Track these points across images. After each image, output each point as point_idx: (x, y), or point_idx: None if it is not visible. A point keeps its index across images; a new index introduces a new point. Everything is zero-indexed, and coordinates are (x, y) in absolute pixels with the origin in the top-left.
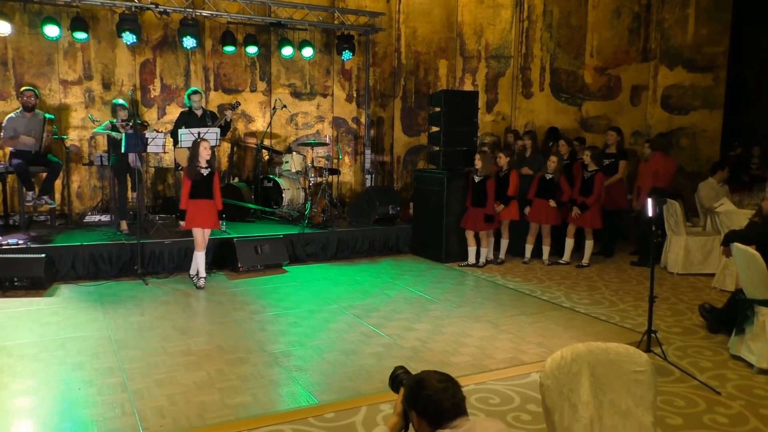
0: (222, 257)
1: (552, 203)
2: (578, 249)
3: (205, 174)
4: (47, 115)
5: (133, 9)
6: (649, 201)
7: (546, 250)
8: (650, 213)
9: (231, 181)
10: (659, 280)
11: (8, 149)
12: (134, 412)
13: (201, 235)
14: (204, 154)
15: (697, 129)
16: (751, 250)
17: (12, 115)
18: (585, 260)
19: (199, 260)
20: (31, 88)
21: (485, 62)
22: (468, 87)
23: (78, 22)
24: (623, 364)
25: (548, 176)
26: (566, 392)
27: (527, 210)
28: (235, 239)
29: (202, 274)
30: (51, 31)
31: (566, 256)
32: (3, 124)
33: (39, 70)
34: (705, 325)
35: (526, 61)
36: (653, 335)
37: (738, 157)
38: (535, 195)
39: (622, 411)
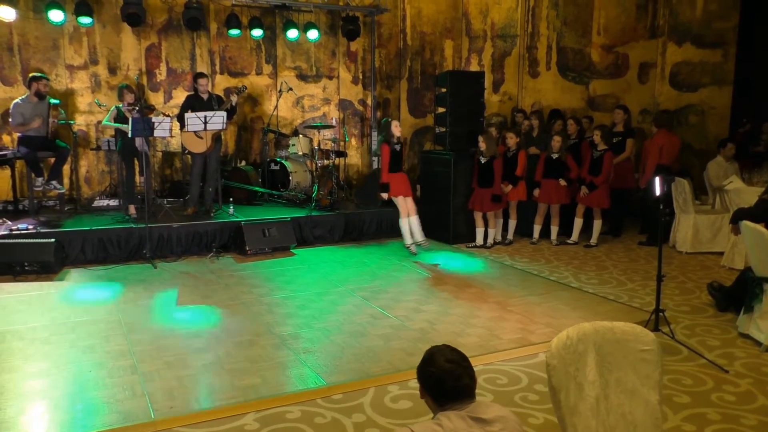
0: (230, 240)
1: (562, 182)
2: (586, 229)
3: (398, 149)
4: (52, 101)
5: None
6: (656, 179)
7: (554, 230)
8: (657, 191)
9: (238, 165)
10: (668, 259)
11: (16, 135)
12: (144, 393)
13: (404, 203)
14: (395, 131)
15: (706, 106)
16: (760, 227)
17: (18, 100)
18: (593, 240)
19: (413, 225)
20: (45, 75)
21: (491, 42)
22: (474, 67)
23: (82, 7)
24: (629, 343)
25: (554, 156)
26: (572, 371)
27: (536, 192)
28: (242, 222)
29: (419, 238)
30: (55, 16)
31: (574, 236)
32: (10, 110)
33: (45, 55)
34: (713, 303)
35: (532, 40)
36: (661, 314)
37: (747, 134)
38: (543, 176)
39: (628, 390)
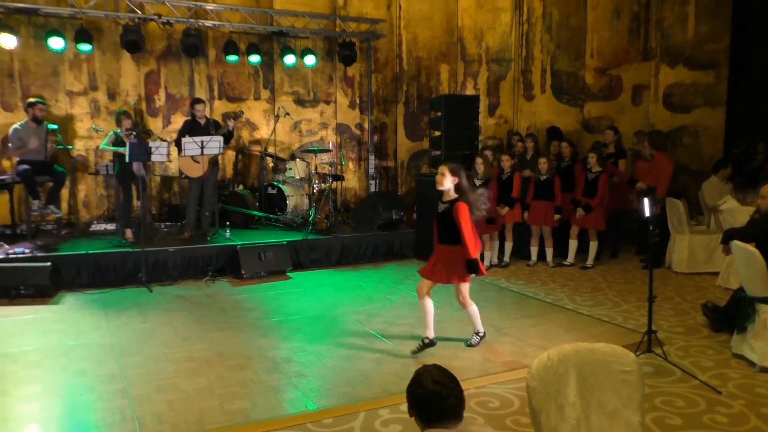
0: (226, 264)
1: (557, 217)
2: (583, 250)
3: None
4: (50, 126)
5: (136, 20)
6: (645, 201)
7: (549, 252)
8: (647, 213)
9: (235, 189)
10: (664, 280)
11: (15, 159)
12: (134, 417)
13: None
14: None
15: (699, 127)
16: (750, 247)
17: (17, 125)
18: (589, 261)
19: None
20: (42, 100)
21: (486, 66)
22: (470, 91)
23: (82, 34)
24: (610, 364)
25: (542, 178)
26: (553, 393)
27: (526, 214)
28: (238, 246)
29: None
30: (56, 43)
31: (570, 258)
32: (9, 135)
33: (45, 81)
34: (708, 324)
35: (526, 64)
36: (654, 335)
37: (741, 154)
38: (533, 198)
39: (609, 411)
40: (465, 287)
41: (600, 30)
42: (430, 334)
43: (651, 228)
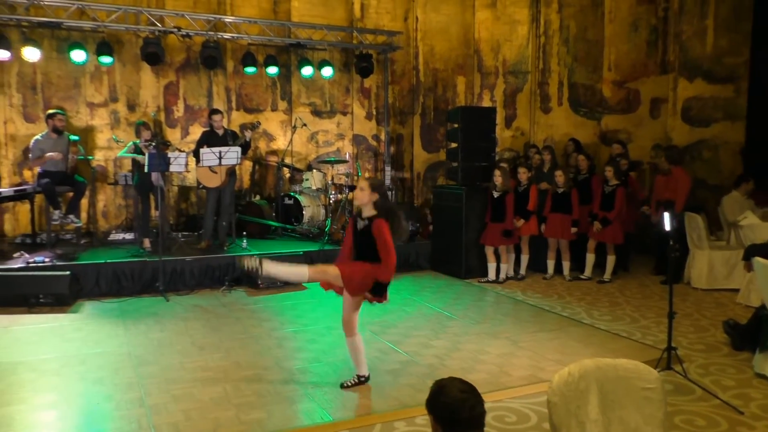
0: (242, 274)
1: (574, 230)
2: (600, 264)
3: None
4: (72, 137)
5: (156, 33)
6: (666, 215)
7: (566, 265)
8: (667, 227)
9: (252, 199)
10: (682, 296)
11: (36, 170)
12: (150, 426)
13: None
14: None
15: (719, 141)
16: None
17: (38, 137)
18: (606, 276)
19: None
20: (62, 111)
21: (503, 78)
22: (486, 103)
23: (103, 47)
24: (632, 380)
25: (559, 190)
26: (573, 409)
27: (543, 227)
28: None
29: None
30: (78, 56)
31: (587, 272)
32: (30, 146)
33: (66, 93)
34: (729, 341)
35: (543, 76)
36: (674, 352)
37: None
38: (550, 210)
39: (631, 429)
40: (355, 310)
41: (618, 43)
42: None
43: (671, 243)
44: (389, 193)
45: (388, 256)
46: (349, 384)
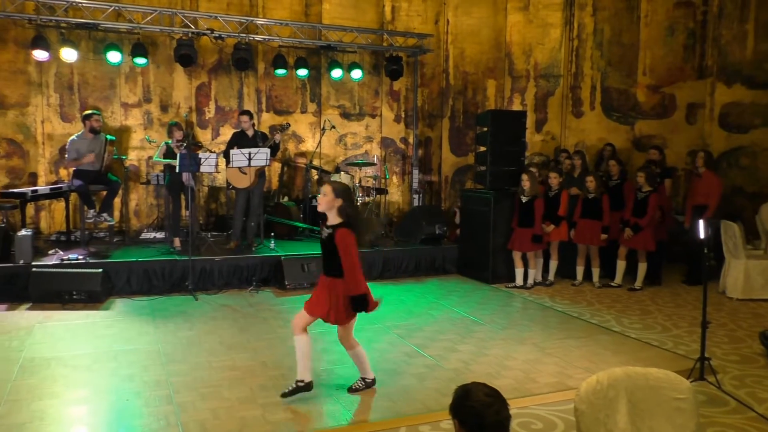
0: (270, 274)
1: (604, 236)
2: (631, 271)
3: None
4: (108, 137)
5: (189, 35)
6: (700, 223)
7: (596, 272)
8: (702, 235)
9: (280, 200)
10: (717, 306)
11: (71, 169)
12: (178, 424)
13: None
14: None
15: (757, 148)
16: None
17: (74, 137)
18: (638, 283)
19: None
20: (98, 111)
21: (534, 82)
22: (517, 107)
23: (138, 48)
24: (663, 390)
25: (590, 196)
26: (602, 418)
27: (572, 233)
28: (282, 257)
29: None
30: (113, 57)
31: (618, 279)
32: (66, 146)
33: (102, 93)
34: (765, 353)
35: (576, 80)
36: (707, 363)
37: None
38: (580, 216)
39: None
40: (348, 328)
41: (653, 47)
42: (306, 376)
43: (706, 251)
44: (417, 195)
45: (352, 272)
46: (358, 387)
